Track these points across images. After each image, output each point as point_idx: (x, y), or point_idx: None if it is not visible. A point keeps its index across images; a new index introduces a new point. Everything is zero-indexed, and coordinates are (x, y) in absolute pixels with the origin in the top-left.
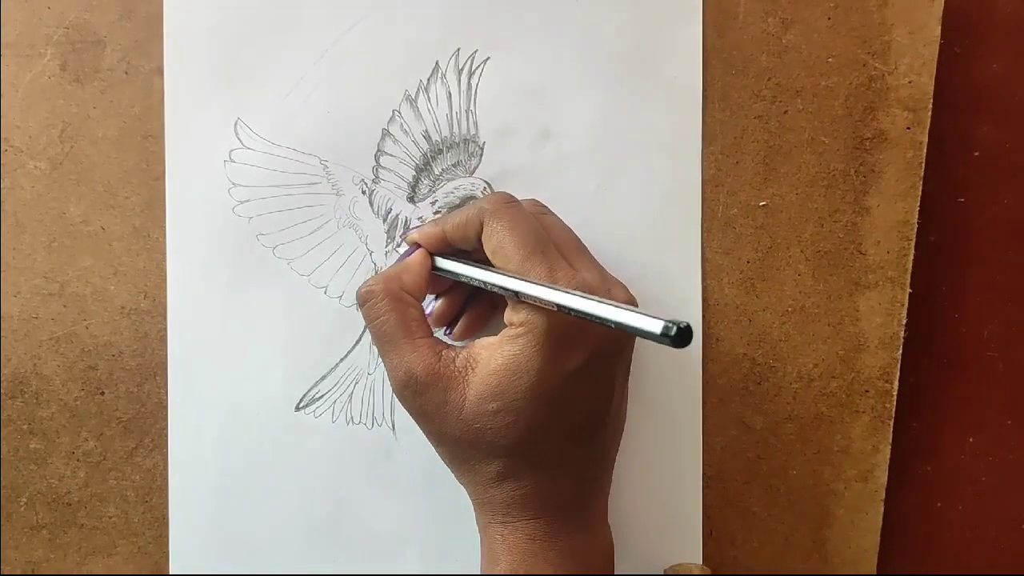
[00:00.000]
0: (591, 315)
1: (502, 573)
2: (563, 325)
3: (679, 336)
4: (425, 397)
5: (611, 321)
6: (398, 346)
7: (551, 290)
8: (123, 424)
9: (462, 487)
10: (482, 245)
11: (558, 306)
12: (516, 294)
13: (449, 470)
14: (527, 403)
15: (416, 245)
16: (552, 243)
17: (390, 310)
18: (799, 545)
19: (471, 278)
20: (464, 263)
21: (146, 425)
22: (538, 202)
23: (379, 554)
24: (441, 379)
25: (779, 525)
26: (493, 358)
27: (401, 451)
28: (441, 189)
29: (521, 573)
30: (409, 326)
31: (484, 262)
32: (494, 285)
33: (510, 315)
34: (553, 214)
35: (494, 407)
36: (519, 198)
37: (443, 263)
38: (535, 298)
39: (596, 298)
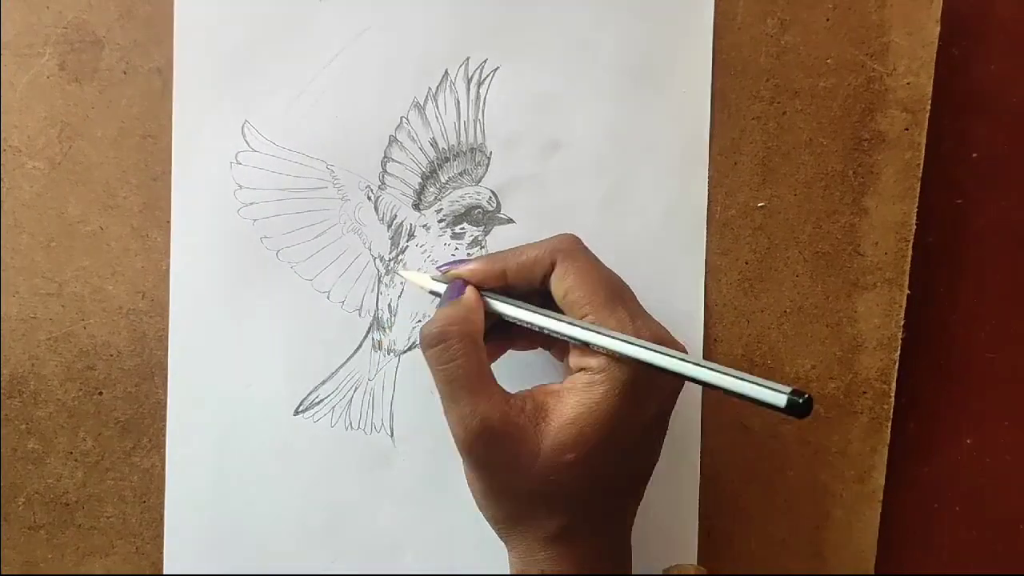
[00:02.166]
0: (703, 383)
1: None
2: (643, 374)
3: (805, 406)
4: (500, 448)
5: (730, 391)
6: (473, 393)
7: (649, 352)
8: (121, 424)
9: (459, 496)
10: (547, 287)
11: (655, 367)
12: (606, 351)
13: (490, 524)
14: (603, 454)
15: (461, 281)
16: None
17: (465, 354)
18: (797, 546)
19: (544, 327)
20: (534, 310)
21: (144, 425)
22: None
23: (374, 560)
24: (516, 429)
25: (777, 526)
26: (567, 407)
27: (399, 458)
28: (447, 197)
29: None
30: (484, 372)
31: (538, 303)
32: (578, 338)
33: (583, 360)
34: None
35: (570, 458)
36: (528, 213)
37: (505, 308)
38: (624, 355)
39: (712, 365)
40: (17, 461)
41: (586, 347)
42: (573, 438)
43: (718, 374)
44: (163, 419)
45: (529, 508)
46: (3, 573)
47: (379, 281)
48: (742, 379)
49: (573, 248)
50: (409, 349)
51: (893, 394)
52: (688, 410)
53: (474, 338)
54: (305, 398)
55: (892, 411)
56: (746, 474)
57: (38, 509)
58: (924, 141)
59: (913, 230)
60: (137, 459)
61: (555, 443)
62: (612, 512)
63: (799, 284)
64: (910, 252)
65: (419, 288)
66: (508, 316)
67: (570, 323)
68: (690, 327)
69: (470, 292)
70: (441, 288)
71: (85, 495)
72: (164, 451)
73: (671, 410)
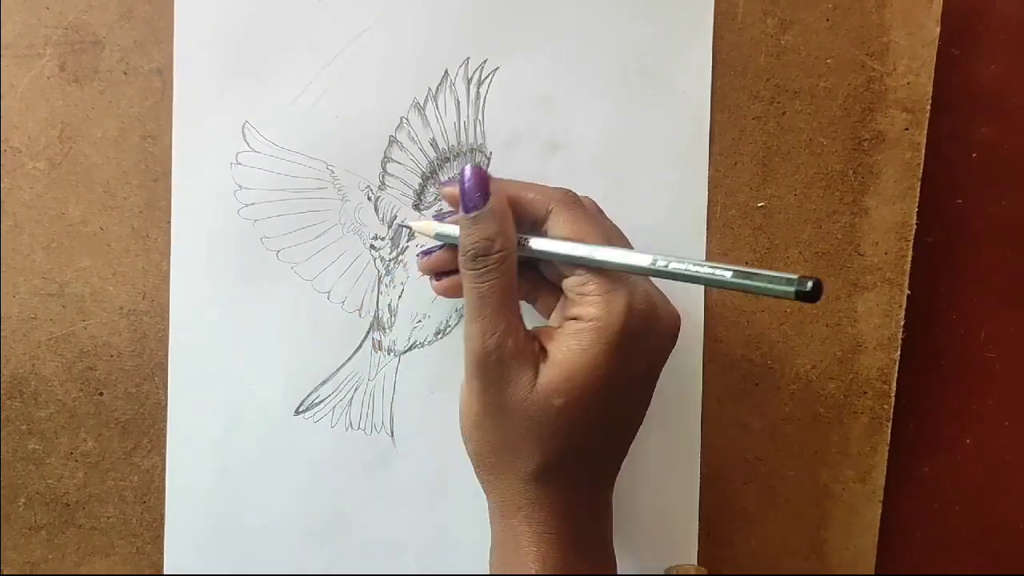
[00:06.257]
0: (715, 279)
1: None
2: (636, 325)
3: (814, 291)
4: (506, 371)
5: (739, 284)
6: (498, 313)
7: (668, 259)
8: (121, 425)
9: (459, 496)
10: (544, 232)
11: (674, 275)
12: (623, 267)
13: (474, 468)
14: (588, 403)
15: (479, 193)
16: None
17: (505, 274)
18: (797, 546)
19: (562, 254)
20: (555, 239)
21: (144, 426)
22: (594, 202)
23: (375, 560)
24: (524, 359)
25: (777, 526)
26: (558, 350)
27: (399, 458)
28: None
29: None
30: (511, 294)
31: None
32: (596, 260)
33: (573, 311)
34: (607, 217)
35: (559, 403)
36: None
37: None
38: (637, 269)
39: (713, 264)
40: (18, 462)
41: (575, 294)
42: (561, 382)
43: (720, 271)
44: (163, 419)
45: (514, 439)
46: (4, 573)
47: (379, 282)
48: (748, 274)
49: (567, 198)
50: (409, 349)
51: (893, 394)
52: (688, 410)
53: (508, 257)
54: (305, 398)
55: (892, 411)
56: (746, 474)
57: (39, 509)
58: (924, 141)
59: (913, 230)
60: (138, 459)
61: (547, 383)
62: (589, 464)
63: None
64: (910, 252)
65: (427, 236)
66: (532, 249)
67: (591, 247)
68: (691, 327)
69: (499, 202)
70: (453, 230)
71: (86, 495)
72: (164, 451)
73: (659, 371)
